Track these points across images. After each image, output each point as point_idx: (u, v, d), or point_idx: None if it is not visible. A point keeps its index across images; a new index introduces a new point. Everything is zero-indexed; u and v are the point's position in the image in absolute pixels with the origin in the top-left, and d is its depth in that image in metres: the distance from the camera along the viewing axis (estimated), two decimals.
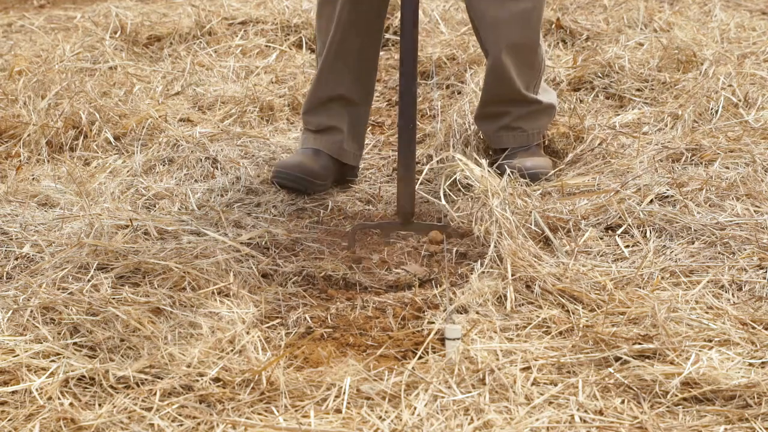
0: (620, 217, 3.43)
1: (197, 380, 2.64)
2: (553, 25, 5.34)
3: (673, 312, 2.90)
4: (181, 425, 2.51)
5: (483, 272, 3.09)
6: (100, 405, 2.58)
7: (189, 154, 4.08)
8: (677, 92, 4.50)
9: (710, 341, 2.78)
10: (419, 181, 3.70)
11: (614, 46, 4.96)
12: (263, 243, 3.39)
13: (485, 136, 4.01)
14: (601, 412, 2.53)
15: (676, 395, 2.58)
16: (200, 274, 3.09)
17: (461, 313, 2.93)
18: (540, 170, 3.83)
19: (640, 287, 3.05)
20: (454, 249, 3.27)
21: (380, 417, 2.51)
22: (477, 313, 2.93)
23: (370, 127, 4.48)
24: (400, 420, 2.49)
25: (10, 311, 2.95)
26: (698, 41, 4.93)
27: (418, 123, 4.39)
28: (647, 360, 2.72)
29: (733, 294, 3.03)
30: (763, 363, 2.69)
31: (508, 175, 3.50)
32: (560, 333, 2.86)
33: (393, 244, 3.38)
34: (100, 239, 3.31)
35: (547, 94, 4.00)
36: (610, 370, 2.66)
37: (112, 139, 4.27)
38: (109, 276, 3.11)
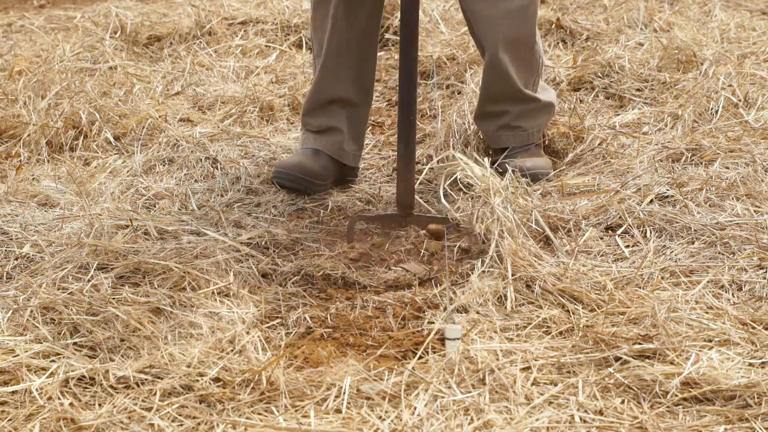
0: (620, 217, 3.43)
1: (197, 380, 2.64)
2: (553, 25, 5.34)
3: (673, 312, 2.90)
4: (181, 425, 2.51)
5: (483, 272, 3.09)
6: (100, 405, 2.58)
7: (189, 154, 4.08)
8: (677, 92, 4.50)
9: (710, 341, 2.78)
10: (419, 181, 3.70)
11: (614, 46, 4.96)
12: (263, 243, 3.39)
13: (485, 135, 4.01)
14: (601, 412, 2.53)
15: (676, 395, 2.58)
16: (200, 274, 3.09)
17: (461, 313, 2.93)
18: (540, 170, 3.83)
19: (640, 287, 3.05)
20: (455, 247, 3.27)
21: (380, 417, 2.51)
22: (477, 313, 2.93)
23: (370, 127, 4.48)
24: (400, 420, 2.49)
25: (10, 311, 2.95)
26: (698, 41, 4.93)
27: (418, 123, 4.39)
28: (647, 360, 2.72)
29: (733, 294, 3.03)
30: (763, 363, 2.69)
31: (510, 173, 3.50)
32: (560, 333, 2.86)
33: (392, 237, 3.38)
34: (100, 239, 3.31)
35: (546, 93, 4.00)
36: (610, 370, 2.66)
37: (112, 139, 4.27)
38: (109, 276, 3.11)
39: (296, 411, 2.55)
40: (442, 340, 2.79)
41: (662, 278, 3.10)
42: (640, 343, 2.76)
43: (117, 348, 2.80)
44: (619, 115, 4.39)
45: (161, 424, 2.50)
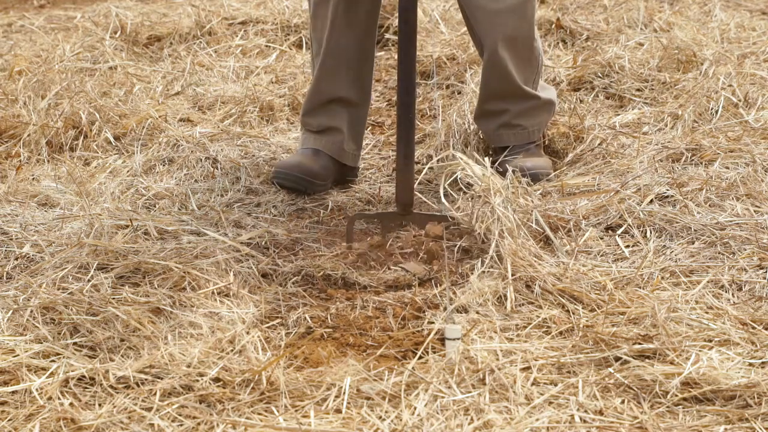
0: (620, 217, 3.43)
1: (197, 380, 2.64)
2: (553, 25, 5.34)
3: (673, 312, 2.90)
4: (181, 425, 2.51)
5: (483, 272, 3.09)
6: (100, 405, 2.58)
7: (189, 154, 4.08)
8: (677, 92, 4.50)
9: (710, 341, 2.78)
10: (419, 180, 3.70)
11: (614, 46, 4.96)
12: (263, 243, 3.39)
13: (485, 135, 4.01)
14: (601, 412, 2.53)
15: (676, 395, 2.58)
16: (200, 274, 3.09)
17: (461, 313, 2.93)
18: (540, 171, 3.83)
19: (640, 287, 3.05)
20: (455, 246, 3.27)
21: (380, 417, 2.51)
22: (477, 313, 2.93)
23: (369, 127, 4.48)
24: (400, 420, 2.49)
25: (10, 311, 2.95)
26: (698, 41, 4.93)
27: (418, 123, 4.39)
28: (647, 360, 2.71)
29: (733, 294, 3.03)
30: (763, 363, 2.69)
31: (511, 173, 3.50)
32: (560, 333, 2.86)
33: (392, 237, 3.37)
34: (100, 239, 3.31)
35: (546, 91, 4.00)
36: (610, 370, 2.66)
37: (112, 139, 4.27)
38: (109, 276, 3.11)
39: (296, 411, 2.55)
40: (442, 340, 2.79)
41: (662, 278, 3.09)
42: (640, 343, 2.76)
43: (117, 348, 2.80)
44: (619, 115, 4.39)
45: (161, 424, 2.50)
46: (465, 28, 5.06)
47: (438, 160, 3.88)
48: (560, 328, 2.87)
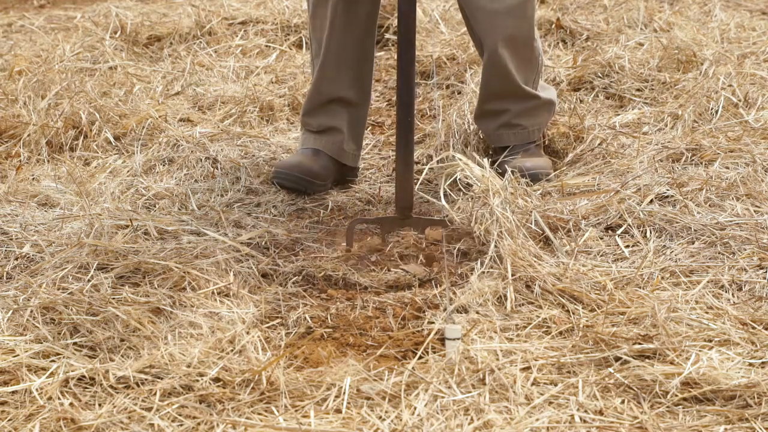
0: (620, 217, 3.43)
1: (197, 380, 2.64)
2: (553, 25, 5.34)
3: (673, 312, 2.90)
4: (181, 425, 2.51)
5: (483, 272, 3.09)
6: (100, 405, 2.58)
7: (189, 154, 4.08)
8: (677, 92, 4.50)
9: (710, 341, 2.78)
10: (419, 181, 3.70)
11: (614, 46, 4.96)
12: (263, 243, 3.39)
13: (485, 134, 4.01)
14: (601, 412, 2.53)
15: (676, 395, 2.58)
16: (200, 274, 3.09)
17: (461, 313, 2.93)
18: (540, 171, 3.83)
19: (640, 287, 3.05)
20: (455, 248, 3.27)
21: (380, 417, 2.51)
22: (477, 313, 2.93)
23: (369, 127, 4.48)
24: (400, 420, 2.49)
25: (10, 311, 2.95)
26: (698, 41, 4.93)
27: (418, 123, 4.39)
28: (647, 360, 2.71)
29: (733, 294, 3.03)
30: (763, 363, 2.69)
31: (510, 174, 3.50)
32: (560, 333, 2.86)
33: (391, 241, 3.38)
34: (100, 239, 3.31)
35: (546, 91, 4.00)
36: (610, 370, 2.66)
37: (112, 139, 4.27)
38: (109, 276, 3.11)
39: (296, 411, 2.55)
40: (442, 340, 2.79)
41: (662, 278, 3.09)
42: (640, 343, 2.76)
43: (117, 348, 2.80)
44: (619, 115, 4.39)
45: (161, 424, 2.50)
46: (465, 28, 5.06)
47: (438, 161, 3.88)
48: (560, 328, 2.87)
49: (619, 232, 3.38)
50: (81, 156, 4.20)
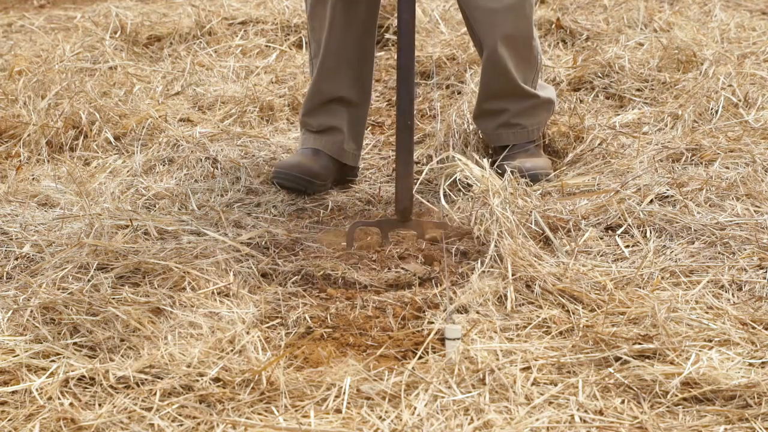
0: (620, 217, 3.43)
1: (197, 380, 2.64)
2: (553, 25, 5.34)
3: (673, 312, 2.90)
4: (181, 425, 2.51)
5: (483, 272, 3.09)
6: (100, 405, 2.58)
7: (189, 154, 4.08)
8: (677, 92, 4.50)
9: (710, 341, 2.78)
10: (419, 181, 3.70)
11: (614, 46, 4.96)
12: (263, 243, 3.39)
13: (484, 134, 4.01)
14: (601, 412, 2.53)
15: (676, 395, 2.58)
16: (200, 274, 3.09)
17: (461, 313, 2.93)
18: (540, 171, 3.83)
19: (640, 287, 3.05)
20: (454, 248, 3.27)
21: (380, 417, 2.51)
22: (477, 313, 2.93)
23: (369, 127, 4.48)
24: (400, 420, 2.49)
25: (10, 311, 2.95)
26: (698, 41, 4.93)
27: (418, 123, 4.39)
28: (647, 360, 2.71)
29: (733, 294, 3.03)
30: (763, 363, 2.69)
31: (509, 174, 3.50)
32: (560, 333, 2.86)
33: (391, 244, 3.38)
34: (100, 239, 3.31)
35: (545, 90, 4.00)
36: (610, 370, 2.66)
37: (112, 139, 4.27)
38: (109, 276, 3.11)
39: (296, 411, 2.55)
40: (442, 340, 2.79)
41: (662, 278, 3.09)
42: (640, 343, 2.76)
43: (117, 348, 2.80)
44: (619, 115, 4.39)
45: (161, 424, 2.50)
46: (465, 28, 5.07)
47: (437, 162, 3.87)
48: (560, 328, 2.87)
49: (619, 232, 3.38)
50: (81, 156, 4.20)
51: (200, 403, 2.58)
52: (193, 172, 3.97)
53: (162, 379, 2.65)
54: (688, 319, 2.87)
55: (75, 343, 2.83)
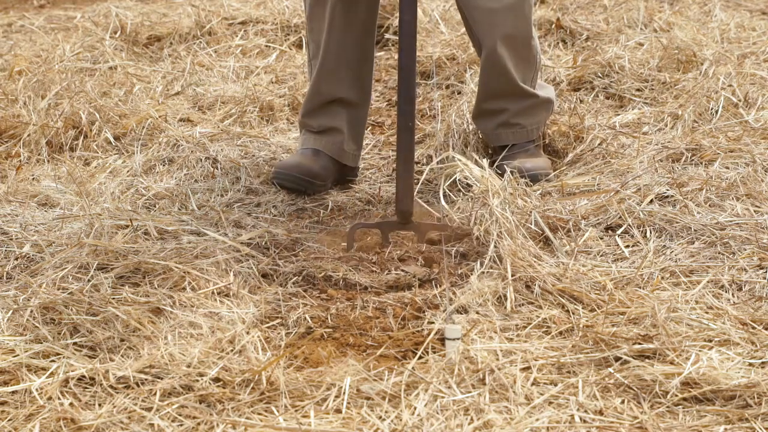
0: (620, 217, 3.43)
1: (197, 380, 2.64)
2: (553, 25, 5.34)
3: (673, 312, 2.90)
4: (181, 425, 2.51)
5: (483, 272, 3.09)
6: (100, 405, 2.58)
7: (189, 154, 4.08)
8: (677, 92, 4.51)
9: (710, 341, 2.78)
10: (419, 182, 3.70)
11: (614, 46, 4.96)
12: (263, 243, 3.39)
13: (484, 134, 4.01)
14: (601, 412, 2.53)
15: (676, 395, 2.58)
16: (200, 274, 3.09)
17: (461, 313, 2.93)
18: (540, 171, 3.83)
19: (640, 287, 3.05)
20: (454, 249, 3.27)
21: (380, 417, 2.51)
22: (477, 313, 2.93)
23: (369, 127, 4.48)
24: (400, 420, 2.49)
25: (10, 311, 2.95)
26: (698, 41, 4.93)
27: (418, 123, 4.39)
28: (647, 360, 2.72)
29: (733, 294, 3.03)
30: (763, 363, 2.69)
31: (509, 174, 3.50)
32: (560, 333, 2.86)
33: (391, 245, 3.38)
34: (100, 239, 3.31)
35: (544, 90, 4.00)
36: (610, 370, 2.66)
37: (112, 139, 4.27)
38: (109, 276, 3.11)
39: (296, 411, 2.55)
40: (442, 340, 2.79)
41: (662, 278, 3.09)
42: (640, 343, 2.76)
43: (117, 348, 2.80)
44: (619, 115, 4.39)
45: (161, 424, 2.50)
46: (465, 29, 5.07)
47: (437, 162, 3.87)
48: (560, 328, 2.87)
49: (619, 232, 3.38)
50: (81, 156, 4.20)
51: (200, 403, 2.58)
52: (193, 172, 3.97)
53: (162, 379, 2.65)
54: (688, 319, 2.87)
55: (75, 343, 2.83)
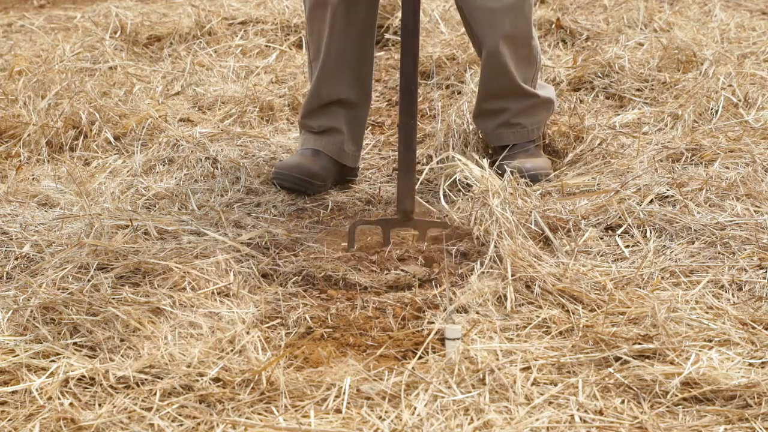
0: (620, 217, 3.43)
1: (197, 380, 2.64)
2: (553, 25, 5.34)
3: (673, 312, 2.90)
4: (181, 425, 2.51)
5: (483, 272, 3.09)
6: (100, 405, 2.58)
7: (189, 154, 4.08)
8: (677, 92, 4.51)
9: (710, 341, 2.78)
10: (419, 182, 3.70)
11: (614, 46, 4.96)
12: (263, 243, 3.39)
13: (484, 134, 4.01)
14: (601, 412, 2.53)
15: (676, 395, 2.58)
16: (200, 274, 3.09)
17: (461, 313, 2.93)
18: (540, 171, 3.83)
19: (640, 287, 3.05)
20: (454, 249, 3.27)
21: (380, 417, 2.51)
22: (477, 313, 2.93)
23: (369, 127, 4.48)
24: (400, 420, 2.49)
25: (10, 311, 2.95)
26: (698, 41, 4.93)
27: (418, 123, 4.39)
28: (647, 360, 2.72)
29: (733, 294, 3.03)
30: (763, 363, 2.69)
31: (509, 174, 3.50)
32: (560, 333, 2.86)
33: (392, 243, 3.38)
34: (100, 239, 3.31)
35: (545, 90, 4.00)
36: (610, 370, 2.66)
37: (112, 139, 4.27)
38: (109, 276, 3.11)
39: (296, 411, 2.55)
40: (442, 340, 2.79)
41: (662, 278, 3.09)
42: (640, 343, 2.76)
43: (117, 348, 2.80)
44: (619, 115, 4.39)
45: (161, 424, 2.50)
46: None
47: (437, 162, 3.87)
48: (560, 328, 2.87)
49: (619, 232, 3.38)
50: (81, 156, 4.20)
51: (200, 403, 2.58)
52: (193, 172, 3.97)
53: (162, 379, 2.65)
54: (688, 319, 2.87)
55: (75, 343, 2.83)
